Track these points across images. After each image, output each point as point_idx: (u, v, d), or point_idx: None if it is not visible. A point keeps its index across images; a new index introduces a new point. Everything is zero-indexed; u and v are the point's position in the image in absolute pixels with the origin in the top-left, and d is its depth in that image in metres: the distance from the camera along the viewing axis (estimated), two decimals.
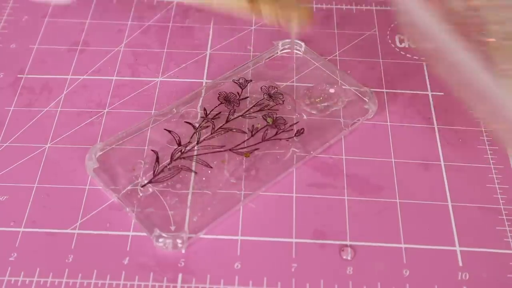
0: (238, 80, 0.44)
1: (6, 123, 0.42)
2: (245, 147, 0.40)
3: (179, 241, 0.35)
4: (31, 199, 0.38)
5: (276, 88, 0.43)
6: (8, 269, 0.35)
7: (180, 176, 0.38)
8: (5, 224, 0.37)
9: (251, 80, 0.44)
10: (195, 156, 0.39)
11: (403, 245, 0.36)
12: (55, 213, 0.37)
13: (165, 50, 0.47)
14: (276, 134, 0.40)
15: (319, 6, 0.46)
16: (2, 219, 0.37)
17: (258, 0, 0.37)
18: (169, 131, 0.40)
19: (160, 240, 0.35)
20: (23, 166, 0.39)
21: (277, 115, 0.41)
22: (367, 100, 0.42)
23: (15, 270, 0.35)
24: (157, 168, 0.38)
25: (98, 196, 0.38)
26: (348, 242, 0.36)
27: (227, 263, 0.35)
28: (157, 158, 0.39)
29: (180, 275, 0.35)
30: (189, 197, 0.37)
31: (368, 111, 0.42)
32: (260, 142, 0.40)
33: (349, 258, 0.35)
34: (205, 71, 0.46)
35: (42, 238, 0.36)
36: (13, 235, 0.36)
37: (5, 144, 0.41)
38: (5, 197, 0.38)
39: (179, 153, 0.39)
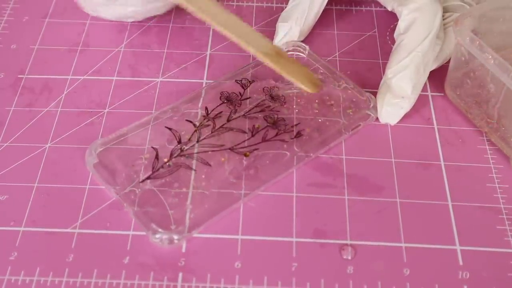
0: (241, 80, 0.44)
1: (7, 123, 0.42)
2: (245, 147, 0.40)
3: (175, 237, 0.35)
4: (31, 199, 0.38)
5: (278, 89, 0.43)
6: (8, 268, 0.35)
7: (180, 174, 0.38)
8: (5, 223, 0.37)
9: (253, 81, 0.44)
10: (195, 154, 0.39)
11: (403, 244, 0.36)
12: (55, 212, 0.37)
13: (165, 51, 0.47)
14: (277, 135, 0.40)
15: None
16: (2, 219, 0.37)
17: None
18: (170, 129, 0.40)
19: (157, 236, 0.35)
20: (23, 165, 0.39)
21: (278, 116, 0.41)
22: (369, 106, 0.42)
23: (15, 269, 0.35)
24: (156, 164, 0.38)
25: (98, 195, 0.38)
26: (348, 242, 0.36)
27: (227, 262, 0.35)
28: (157, 155, 0.39)
29: (180, 274, 0.35)
30: (189, 195, 0.37)
31: (369, 116, 0.42)
32: (260, 143, 0.40)
33: (349, 257, 0.35)
34: (205, 71, 0.46)
35: (42, 237, 0.36)
36: (13, 235, 0.36)
37: (5, 144, 0.41)
38: (5, 196, 0.38)
39: (179, 150, 0.39)
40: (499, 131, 0.40)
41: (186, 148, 0.40)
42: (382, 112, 0.41)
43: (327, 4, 0.46)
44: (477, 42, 0.38)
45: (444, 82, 0.44)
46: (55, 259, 0.35)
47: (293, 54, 0.46)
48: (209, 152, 0.39)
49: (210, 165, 0.39)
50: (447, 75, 0.43)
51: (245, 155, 0.39)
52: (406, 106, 0.41)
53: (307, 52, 0.46)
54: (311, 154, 0.40)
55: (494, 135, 0.41)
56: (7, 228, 0.36)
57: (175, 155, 0.39)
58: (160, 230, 0.35)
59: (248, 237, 0.36)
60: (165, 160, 0.39)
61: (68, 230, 0.36)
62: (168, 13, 0.50)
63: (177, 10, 0.50)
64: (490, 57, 0.38)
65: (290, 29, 0.45)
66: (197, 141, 0.40)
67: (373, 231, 0.37)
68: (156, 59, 0.47)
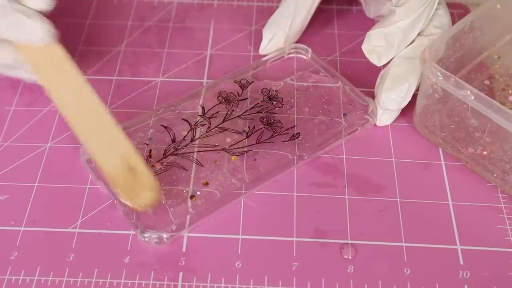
0: (240, 80, 0.44)
1: (7, 122, 0.42)
2: (239, 148, 0.40)
3: (164, 235, 0.35)
4: (31, 198, 0.38)
5: (277, 91, 0.43)
6: (9, 268, 0.35)
7: (173, 173, 0.38)
8: (6, 223, 0.36)
9: (252, 81, 0.44)
10: (190, 154, 0.39)
11: (404, 244, 0.36)
12: (55, 212, 0.37)
13: (166, 50, 0.47)
14: (272, 136, 0.40)
15: (319, 6, 0.46)
16: (2, 218, 0.37)
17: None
18: (165, 127, 0.40)
19: (145, 235, 0.35)
20: (23, 165, 0.39)
21: (275, 118, 0.41)
22: (368, 111, 0.42)
23: (15, 269, 0.35)
24: (148, 162, 0.38)
25: (99, 195, 0.38)
26: (349, 241, 0.36)
27: (228, 262, 0.35)
28: (150, 153, 0.39)
29: (180, 274, 0.35)
30: (184, 194, 0.37)
31: (368, 120, 0.42)
32: (254, 144, 0.40)
33: (350, 257, 0.35)
34: (206, 71, 0.46)
35: (43, 237, 0.36)
36: (14, 234, 0.36)
37: (5, 144, 0.41)
38: (6, 196, 0.38)
39: (173, 149, 0.39)
40: (486, 161, 0.38)
41: (180, 146, 0.39)
42: (382, 97, 0.40)
43: (327, 4, 0.46)
44: (452, 79, 0.36)
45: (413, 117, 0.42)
46: (56, 258, 0.35)
47: (294, 57, 0.46)
48: (204, 152, 0.39)
49: (202, 165, 0.39)
50: (417, 114, 0.41)
51: (236, 155, 0.39)
52: (405, 89, 0.40)
53: (309, 55, 0.46)
54: (306, 157, 0.40)
55: (478, 167, 0.39)
56: (8, 227, 0.36)
57: (168, 153, 0.39)
58: (148, 229, 0.35)
59: (249, 237, 0.36)
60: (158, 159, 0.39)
61: (69, 229, 0.36)
62: (169, 12, 0.50)
63: (177, 10, 0.51)
64: (469, 92, 0.35)
65: (275, 35, 0.45)
66: (192, 140, 0.40)
67: (373, 231, 0.37)
68: (156, 59, 0.47)
